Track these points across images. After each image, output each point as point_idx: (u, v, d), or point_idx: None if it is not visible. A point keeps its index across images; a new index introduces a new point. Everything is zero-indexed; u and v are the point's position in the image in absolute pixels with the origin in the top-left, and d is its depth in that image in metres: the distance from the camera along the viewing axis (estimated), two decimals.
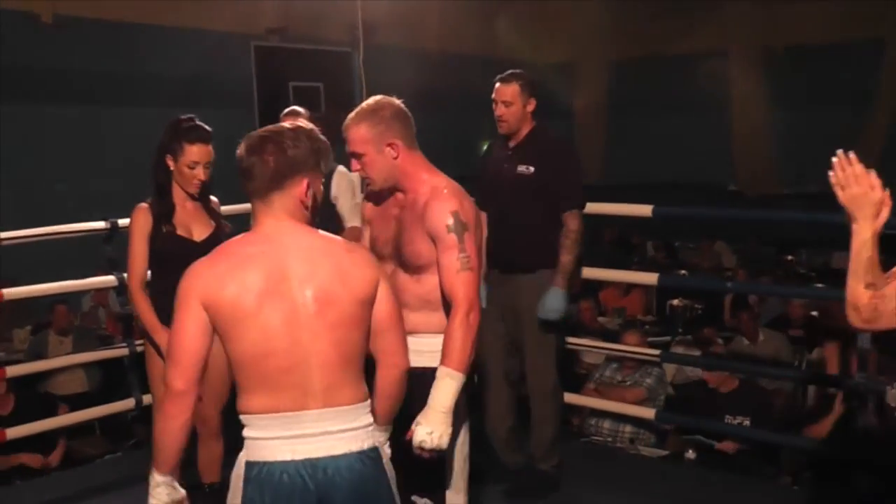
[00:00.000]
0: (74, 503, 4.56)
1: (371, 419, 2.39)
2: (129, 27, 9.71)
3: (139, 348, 4.64)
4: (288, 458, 2.27)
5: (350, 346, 2.34)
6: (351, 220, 4.75)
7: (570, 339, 5.55)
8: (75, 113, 9.44)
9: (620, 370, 6.22)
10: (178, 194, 3.71)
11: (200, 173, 3.66)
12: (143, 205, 3.70)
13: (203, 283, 2.28)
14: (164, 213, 3.68)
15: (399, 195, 3.02)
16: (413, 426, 2.75)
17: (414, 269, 2.95)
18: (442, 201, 2.89)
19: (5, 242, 4.48)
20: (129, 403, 5.08)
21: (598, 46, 13.93)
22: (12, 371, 5.18)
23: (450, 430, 2.77)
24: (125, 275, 4.79)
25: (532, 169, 4.28)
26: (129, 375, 5.11)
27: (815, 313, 8.05)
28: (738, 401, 5.70)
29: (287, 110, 4.83)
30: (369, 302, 2.38)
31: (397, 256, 3.00)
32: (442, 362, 2.80)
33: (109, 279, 4.93)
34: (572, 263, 4.29)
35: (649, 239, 12.18)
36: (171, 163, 3.67)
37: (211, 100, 10.09)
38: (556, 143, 4.49)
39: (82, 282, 5.09)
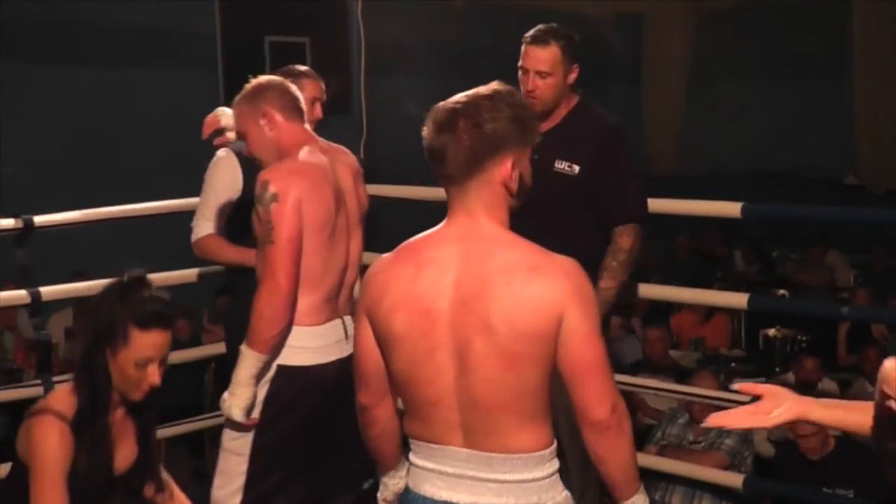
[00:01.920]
0: None
1: (547, 472, 2.54)
2: None
3: (59, 386, 4.62)
4: (430, 492, 2.55)
5: (506, 387, 2.44)
6: None
7: (627, 379, 5.49)
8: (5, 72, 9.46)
9: (691, 426, 6.11)
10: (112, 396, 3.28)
11: (154, 374, 3.21)
12: (55, 419, 3.15)
13: (369, 293, 2.59)
14: (92, 435, 3.19)
15: None
16: None
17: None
18: (261, 172, 3.64)
19: None
20: None
21: None
22: None
23: (242, 404, 3.56)
24: (41, 289, 4.82)
25: (576, 167, 4.15)
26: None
27: None
28: (837, 467, 5.63)
29: (305, 69, 4.75)
30: (541, 338, 2.43)
31: None
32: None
33: (19, 294, 4.89)
34: (615, 292, 4.19)
35: (738, 248, 12.14)
36: (108, 353, 3.18)
37: (162, 58, 10.14)
38: (609, 128, 4.33)
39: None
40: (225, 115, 4.15)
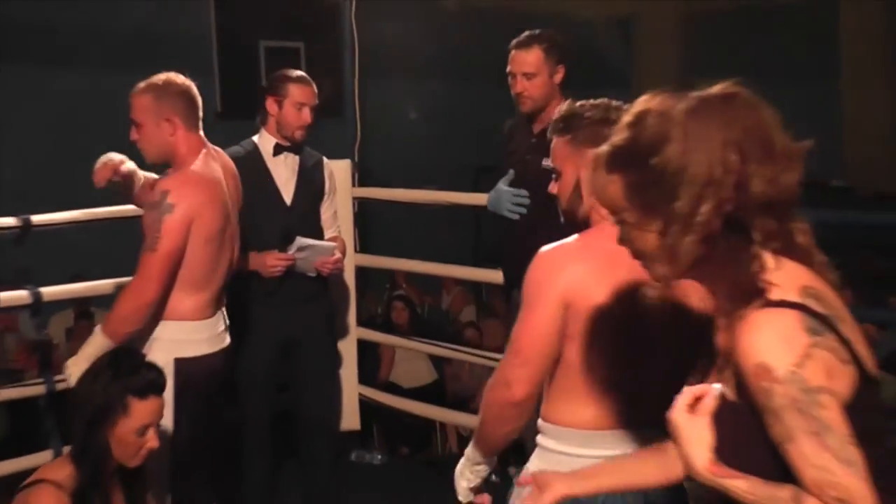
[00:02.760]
0: None
1: None
2: None
3: (60, 385, 4.65)
4: None
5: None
6: (335, 229, 5.02)
7: None
8: None
9: None
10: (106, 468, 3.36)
11: (153, 438, 3.35)
12: (53, 489, 3.20)
13: (568, 279, 2.62)
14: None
15: None
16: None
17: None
18: (161, 180, 3.89)
19: None
20: (45, 457, 5.04)
21: None
22: None
23: (79, 373, 3.61)
24: (42, 290, 4.85)
25: None
26: (46, 420, 5.11)
27: None
28: None
29: (298, 75, 4.84)
30: None
31: None
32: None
33: (21, 295, 4.91)
34: None
35: None
36: (108, 430, 3.28)
37: (154, 62, 9.98)
38: None
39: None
40: (111, 159, 4.15)
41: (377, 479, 5.76)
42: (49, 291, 4.95)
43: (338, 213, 5.07)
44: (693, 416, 1.94)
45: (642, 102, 2.03)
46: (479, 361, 6.68)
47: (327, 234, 4.93)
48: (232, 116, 10.43)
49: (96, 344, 3.84)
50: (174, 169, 3.97)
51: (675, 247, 1.90)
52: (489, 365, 6.41)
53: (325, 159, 5.03)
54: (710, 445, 1.91)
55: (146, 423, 3.29)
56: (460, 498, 3.02)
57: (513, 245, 4.49)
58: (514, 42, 4.36)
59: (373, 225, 5.03)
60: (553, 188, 2.98)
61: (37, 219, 4.78)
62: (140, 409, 3.27)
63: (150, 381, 3.34)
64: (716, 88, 2.01)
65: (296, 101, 4.69)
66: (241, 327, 4.78)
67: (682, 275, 1.97)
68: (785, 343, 1.82)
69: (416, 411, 6.39)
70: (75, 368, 3.77)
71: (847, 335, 1.88)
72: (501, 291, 5.79)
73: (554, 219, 4.19)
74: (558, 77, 4.32)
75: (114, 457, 3.29)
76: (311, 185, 4.87)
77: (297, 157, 4.81)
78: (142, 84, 3.99)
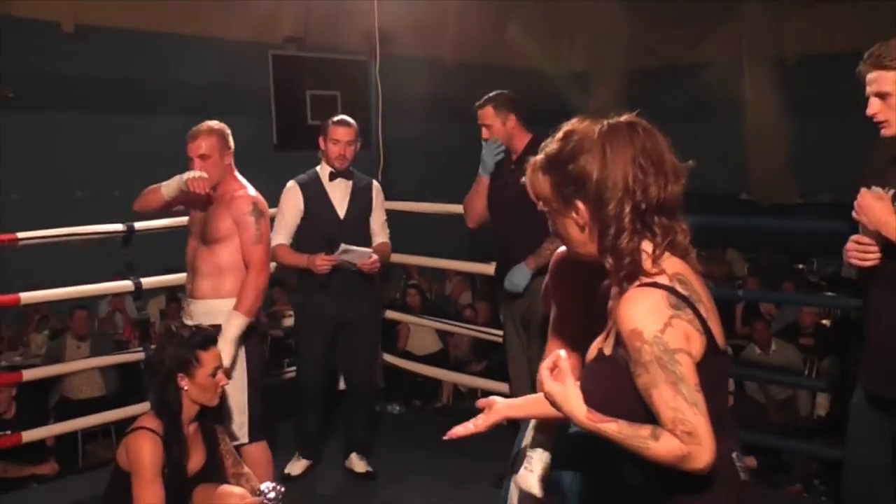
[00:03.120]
0: None
1: None
2: (148, 36, 9.73)
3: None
4: None
5: None
6: (384, 235, 4.90)
7: None
8: (96, 121, 9.47)
9: None
10: (185, 415, 3.33)
11: (222, 378, 3.39)
12: (148, 433, 3.22)
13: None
14: (176, 446, 3.25)
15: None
16: None
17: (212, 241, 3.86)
18: (246, 195, 3.89)
19: (23, 243, 4.46)
20: (144, 407, 5.04)
21: (612, 55, 13.88)
22: (29, 374, 5.15)
23: (230, 355, 3.70)
24: (142, 280, 4.84)
25: None
26: (145, 379, 5.11)
27: (825, 322, 8.01)
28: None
29: (337, 119, 4.76)
30: None
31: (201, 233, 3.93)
32: (235, 307, 3.77)
33: (126, 284, 4.92)
34: (552, 252, 4.25)
35: None
36: (184, 382, 3.28)
37: (229, 108, 10.07)
38: None
39: (99, 286, 5.04)
40: (201, 175, 3.90)
41: (397, 426, 5.76)
42: (147, 281, 4.95)
43: (383, 230, 4.94)
44: (561, 383, 1.96)
45: (570, 124, 2.10)
46: (474, 334, 6.81)
47: (375, 240, 4.83)
48: (285, 148, 10.48)
49: (238, 325, 3.76)
50: (226, 183, 3.92)
51: (616, 244, 1.91)
52: (481, 337, 6.43)
53: (374, 182, 4.95)
54: (580, 398, 1.93)
55: (215, 367, 3.31)
56: (536, 493, 2.57)
57: (500, 246, 4.53)
58: (476, 104, 4.41)
59: (392, 229, 4.99)
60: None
61: (139, 225, 4.78)
62: (207, 358, 3.28)
63: (208, 336, 3.36)
64: (623, 118, 2.06)
65: (332, 137, 4.68)
66: (302, 311, 4.83)
67: (595, 257, 1.98)
68: (653, 314, 1.85)
69: (426, 373, 6.35)
70: (227, 350, 3.65)
71: (703, 313, 1.89)
72: (491, 280, 5.77)
73: (530, 226, 4.22)
74: (510, 123, 4.34)
75: (196, 402, 3.29)
76: (361, 202, 4.80)
77: (349, 182, 4.76)
78: (204, 127, 3.92)
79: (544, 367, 1.99)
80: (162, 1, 9.66)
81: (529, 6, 13.18)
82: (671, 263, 1.94)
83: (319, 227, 4.67)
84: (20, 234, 4.44)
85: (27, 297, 4.64)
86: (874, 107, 2.90)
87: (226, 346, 3.66)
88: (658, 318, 1.85)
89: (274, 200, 4.57)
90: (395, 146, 6.02)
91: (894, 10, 11.47)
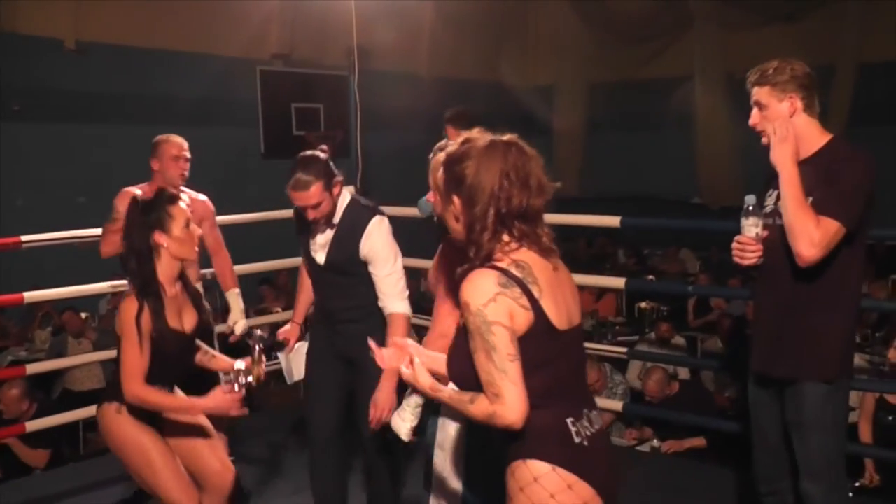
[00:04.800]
0: (93, 491, 4.55)
1: None
2: (144, 52, 9.68)
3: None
4: None
5: None
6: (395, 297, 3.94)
7: None
8: (95, 131, 9.41)
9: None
10: (162, 275, 3.06)
11: (197, 229, 3.12)
12: (133, 298, 2.98)
13: None
14: (156, 303, 3.00)
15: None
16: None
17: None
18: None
19: (27, 245, 4.44)
20: None
21: (575, 71, 13.95)
22: (32, 368, 5.11)
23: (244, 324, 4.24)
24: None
25: None
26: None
27: None
28: (682, 401, 5.68)
29: (293, 180, 3.47)
30: None
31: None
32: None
33: (123, 284, 4.85)
34: None
35: (620, 247, 12.20)
36: (162, 239, 3.03)
37: (219, 119, 10.10)
38: None
39: (99, 286, 4.98)
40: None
41: None
42: None
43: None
44: (408, 366, 2.18)
45: (471, 134, 2.20)
46: None
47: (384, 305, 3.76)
48: (272, 157, 10.45)
49: (240, 298, 4.45)
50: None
51: (479, 240, 2.06)
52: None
53: (374, 219, 3.75)
54: (427, 376, 2.16)
55: (187, 217, 3.06)
56: (404, 437, 2.80)
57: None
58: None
59: None
60: None
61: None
62: (178, 210, 3.03)
63: (172, 195, 3.09)
64: (505, 137, 2.15)
65: (294, 202, 3.52)
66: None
67: (462, 244, 2.12)
68: (481, 290, 1.99)
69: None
70: (241, 321, 4.36)
71: (536, 294, 2.01)
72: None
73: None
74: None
75: (177, 257, 3.05)
76: (344, 251, 3.66)
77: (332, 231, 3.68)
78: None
79: (388, 352, 2.31)
80: (158, 20, 9.61)
81: (498, 25, 13.22)
82: (521, 254, 2.07)
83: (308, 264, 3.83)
84: (24, 238, 4.43)
85: (30, 296, 4.61)
86: (754, 118, 3.17)
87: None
88: (484, 294, 1.98)
89: (262, 204, 4.53)
90: (374, 155, 6.02)
91: (832, 29, 11.64)
